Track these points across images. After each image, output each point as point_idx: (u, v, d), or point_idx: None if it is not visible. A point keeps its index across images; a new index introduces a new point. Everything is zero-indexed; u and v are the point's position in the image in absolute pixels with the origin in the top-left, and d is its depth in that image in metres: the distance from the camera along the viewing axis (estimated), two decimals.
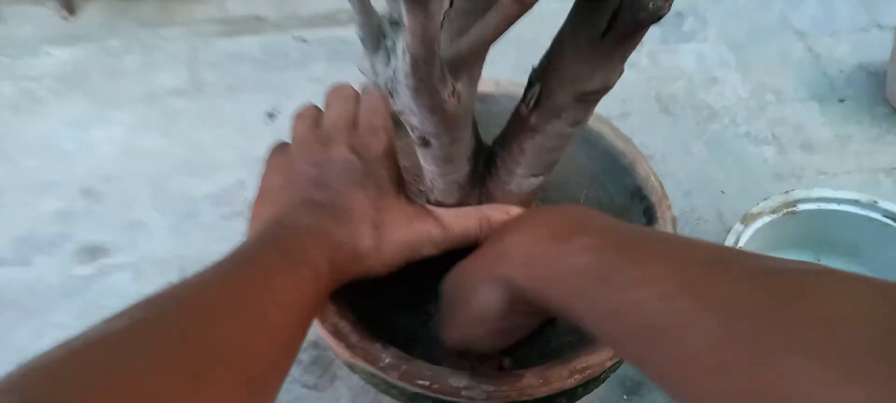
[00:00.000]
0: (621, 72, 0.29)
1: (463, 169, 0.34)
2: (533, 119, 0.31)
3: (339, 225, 0.32)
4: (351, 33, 0.30)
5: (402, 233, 0.34)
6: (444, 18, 0.25)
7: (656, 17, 0.24)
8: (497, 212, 0.36)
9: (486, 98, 0.49)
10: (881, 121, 0.80)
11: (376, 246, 0.33)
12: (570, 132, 0.31)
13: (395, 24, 0.28)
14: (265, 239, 0.30)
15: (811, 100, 0.83)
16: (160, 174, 0.74)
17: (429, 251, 0.36)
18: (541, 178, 0.35)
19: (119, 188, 0.73)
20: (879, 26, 0.94)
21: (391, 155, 0.37)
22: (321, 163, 0.35)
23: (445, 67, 0.25)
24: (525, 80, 0.33)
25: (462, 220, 0.35)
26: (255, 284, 0.26)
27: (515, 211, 0.37)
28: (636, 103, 0.83)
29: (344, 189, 0.34)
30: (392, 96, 0.29)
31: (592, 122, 0.46)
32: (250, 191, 0.78)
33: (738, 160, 0.76)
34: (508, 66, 0.91)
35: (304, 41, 0.93)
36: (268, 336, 0.25)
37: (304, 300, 0.28)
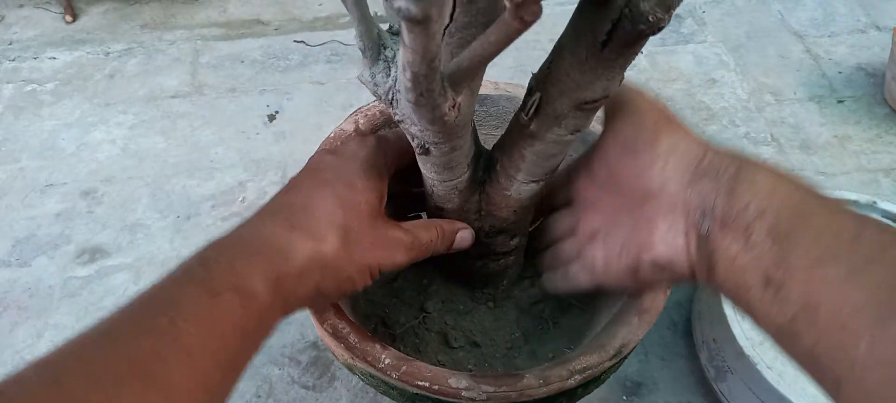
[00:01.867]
0: (621, 80, 0.29)
1: (463, 175, 0.34)
2: (533, 126, 0.31)
3: (292, 229, 0.28)
4: (351, 37, 0.30)
5: (375, 236, 0.31)
6: (444, 33, 0.25)
7: (656, 28, 0.24)
8: (448, 225, 0.36)
9: (485, 99, 0.50)
10: (880, 121, 0.80)
11: (346, 250, 0.29)
12: (569, 139, 0.31)
13: (396, 34, 0.28)
14: (189, 265, 0.27)
15: (810, 100, 0.84)
16: (160, 175, 0.74)
17: (401, 258, 0.33)
18: (541, 184, 0.35)
19: (119, 189, 0.73)
20: (878, 27, 0.94)
21: (372, 156, 0.34)
22: (303, 169, 0.33)
23: (446, 82, 0.25)
24: (525, 82, 0.33)
25: (425, 231, 0.34)
26: (154, 338, 0.23)
27: (460, 225, 0.36)
28: None
29: (309, 188, 0.30)
30: (392, 106, 0.29)
31: (593, 123, 0.46)
32: (250, 192, 0.79)
33: None
34: (508, 66, 0.92)
35: (305, 44, 0.93)
36: (171, 395, 0.22)
37: (226, 333, 0.25)
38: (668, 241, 0.27)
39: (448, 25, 0.25)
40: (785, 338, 0.23)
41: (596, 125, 0.49)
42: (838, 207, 0.24)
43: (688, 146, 0.28)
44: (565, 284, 0.35)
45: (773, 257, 0.23)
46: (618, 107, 0.32)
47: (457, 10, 0.25)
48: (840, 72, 0.87)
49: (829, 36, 0.93)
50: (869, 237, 0.22)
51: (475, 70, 0.25)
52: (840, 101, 0.84)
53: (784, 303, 0.22)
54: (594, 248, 0.32)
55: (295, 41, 0.93)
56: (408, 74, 0.24)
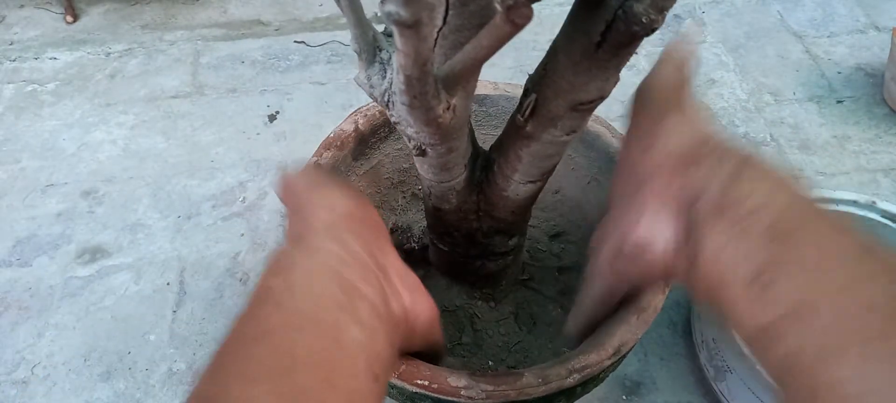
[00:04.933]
0: (617, 81, 0.29)
1: (459, 176, 0.35)
2: (529, 127, 0.31)
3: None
4: (350, 37, 0.30)
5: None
6: (437, 36, 0.25)
7: (650, 30, 0.24)
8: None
9: (484, 99, 0.50)
10: (879, 121, 0.80)
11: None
12: (565, 140, 0.32)
13: (391, 36, 0.28)
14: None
15: (809, 101, 0.84)
16: (161, 175, 0.75)
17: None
18: (538, 184, 0.35)
19: (120, 189, 0.73)
20: (877, 28, 0.94)
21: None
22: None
23: (440, 84, 0.25)
24: (523, 82, 0.33)
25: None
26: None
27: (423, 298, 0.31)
28: None
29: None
30: (388, 108, 0.29)
31: (591, 123, 0.46)
32: (250, 192, 0.79)
33: None
34: (507, 67, 0.92)
35: (305, 45, 0.93)
36: None
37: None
38: (652, 222, 0.26)
39: (441, 28, 0.25)
40: (764, 340, 0.21)
41: (595, 126, 0.49)
42: (845, 222, 0.22)
43: (690, 130, 0.27)
44: (580, 320, 0.33)
45: (769, 254, 0.22)
46: (638, 97, 0.30)
47: (450, 12, 0.25)
48: (839, 73, 0.87)
49: (828, 36, 0.93)
50: (871, 254, 0.21)
51: (469, 72, 0.25)
52: (839, 102, 0.84)
53: (771, 303, 0.21)
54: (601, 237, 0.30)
55: (295, 41, 0.94)
56: (401, 77, 0.24)
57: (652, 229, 0.26)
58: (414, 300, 0.28)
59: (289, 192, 0.31)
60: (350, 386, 0.21)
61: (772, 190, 0.23)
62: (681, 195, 0.25)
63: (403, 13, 0.19)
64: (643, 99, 0.30)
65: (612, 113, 0.87)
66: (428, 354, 0.34)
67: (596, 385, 0.38)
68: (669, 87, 0.29)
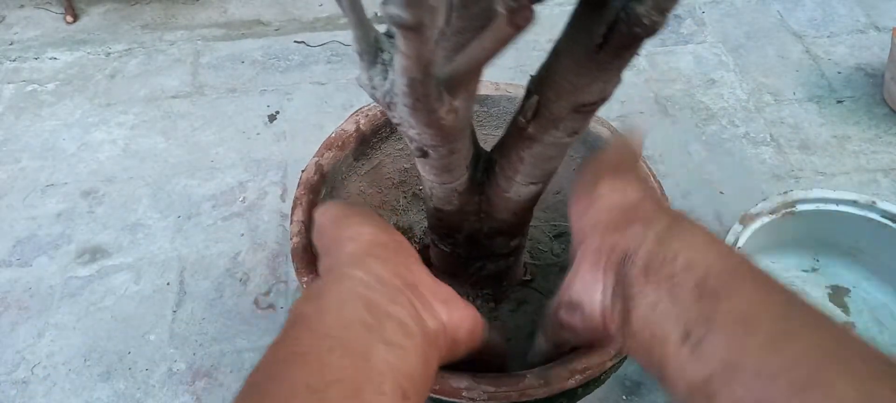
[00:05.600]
0: (618, 82, 0.29)
1: (461, 177, 0.35)
2: (531, 129, 0.31)
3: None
4: (351, 37, 0.30)
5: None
6: (438, 38, 0.25)
7: (652, 31, 0.24)
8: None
9: (486, 100, 0.50)
10: (879, 121, 0.81)
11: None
12: (567, 141, 0.32)
13: (392, 37, 0.28)
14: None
15: (809, 101, 0.84)
16: (161, 175, 0.75)
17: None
18: (539, 186, 0.35)
19: (120, 189, 0.73)
20: (877, 28, 0.94)
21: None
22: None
23: (442, 86, 0.25)
24: (525, 82, 0.33)
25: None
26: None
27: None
28: (635, 104, 0.83)
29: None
30: (390, 109, 0.29)
31: (592, 123, 0.46)
32: (250, 192, 0.79)
33: (736, 161, 0.77)
34: (508, 67, 0.92)
35: (305, 45, 0.93)
36: None
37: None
38: (585, 281, 0.27)
39: (443, 30, 0.25)
40: (698, 397, 0.22)
41: (596, 126, 0.49)
42: (769, 280, 0.23)
43: (625, 192, 0.28)
44: (532, 357, 0.35)
45: (698, 311, 0.22)
46: (584, 165, 0.32)
47: (452, 14, 0.25)
48: (839, 73, 0.88)
49: (828, 36, 0.93)
50: (796, 312, 0.21)
51: (471, 74, 0.25)
52: (839, 102, 0.84)
53: (702, 361, 0.21)
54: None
55: (295, 41, 0.94)
56: (403, 79, 0.24)
57: (584, 287, 0.27)
58: (450, 311, 0.28)
59: (318, 235, 0.32)
60: None
61: (700, 248, 0.24)
62: (612, 255, 0.26)
63: (405, 15, 0.19)
64: (588, 166, 0.31)
65: (611, 113, 0.87)
66: (490, 361, 0.35)
67: (597, 386, 0.38)
68: (615, 158, 0.31)
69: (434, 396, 0.34)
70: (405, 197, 0.51)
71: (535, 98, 0.30)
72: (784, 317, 0.21)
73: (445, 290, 0.29)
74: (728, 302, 0.22)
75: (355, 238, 0.29)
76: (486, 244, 0.40)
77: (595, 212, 0.28)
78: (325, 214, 0.33)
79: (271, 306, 0.62)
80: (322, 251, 0.32)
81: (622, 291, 0.25)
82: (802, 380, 0.19)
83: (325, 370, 0.22)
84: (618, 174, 0.30)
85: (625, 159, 0.31)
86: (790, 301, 0.22)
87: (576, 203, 0.30)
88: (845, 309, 0.60)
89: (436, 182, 0.35)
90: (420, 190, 0.50)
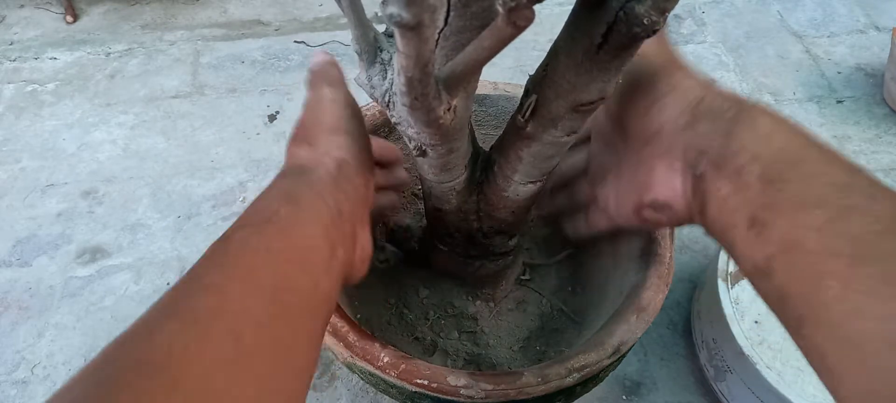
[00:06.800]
0: (618, 82, 0.29)
1: (460, 176, 0.35)
2: (529, 128, 0.31)
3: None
4: (350, 37, 0.30)
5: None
6: (438, 38, 0.25)
7: (651, 31, 0.24)
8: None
9: (484, 99, 0.50)
10: (879, 121, 0.80)
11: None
12: (566, 140, 0.32)
13: (392, 37, 0.28)
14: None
15: (809, 101, 0.84)
16: (161, 175, 0.75)
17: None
18: (538, 185, 0.35)
19: (120, 189, 0.73)
20: (877, 28, 0.94)
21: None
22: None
23: (441, 85, 0.25)
24: (523, 82, 0.33)
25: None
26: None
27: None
28: None
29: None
30: (389, 108, 0.29)
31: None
32: (250, 192, 0.79)
33: None
34: (507, 67, 0.92)
35: (305, 45, 0.93)
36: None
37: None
38: (665, 183, 0.28)
39: (443, 29, 0.25)
40: (759, 276, 0.24)
41: None
42: (833, 156, 0.24)
43: (687, 87, 0.29)
44: (585, 229, 0.36)
45: (762, 199, 0.24)
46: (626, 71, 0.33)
47: (451, 14, 0.25)
48: (839, 73, 0.88)
49: (828, 36, 0.93)
50: (858, 187, 0.23)
51: (470, 74, 0.25)
52: (839, 102, 0.84)
53: (765, 243, 0.23)
54: (606, 190, 0.33)
55: (295, 42, 0.94)
56: (402, 78, 0.24)
57: (667, 188, 0.28)
58: (360, 271, 0.31)
59: (310, 109, 0.32)
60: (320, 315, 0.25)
61: (766, 136, 0.25)
62: (684, 156, 0.28)
63: (405, 15, 0.19)
64: (632, 69, 0.32)
65: None
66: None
67: (595, 385, 0.38)
68: (660, 44, 0.31)
69: (431, 394, 0.34)
70: (404, 196, 0.51)
71: (533, 97, 0.30)
72: (845, 191, 0.23)
73: (368, 254, 0.31)
74: (790, 187, 0.24)
75: (340, 159, 0.30)
76: (485, 243, 0.40)
77: (658, 112, 0.29)
78: (324, 97, 0.33)
79: None
80: (306, 131, 0.32)
81: (699, 189, 0.27)
82: (862, 254, 0.20)
83: (279, 256, 0.24)
84: (673, 67, 0.30)
85: (669, 53, 0.31)
86: (852, 175, 0.23)
87: (629, 104, 0.31)
88: None
89: (434, 181, 0.35)
90: (419, 189, 0.50)
